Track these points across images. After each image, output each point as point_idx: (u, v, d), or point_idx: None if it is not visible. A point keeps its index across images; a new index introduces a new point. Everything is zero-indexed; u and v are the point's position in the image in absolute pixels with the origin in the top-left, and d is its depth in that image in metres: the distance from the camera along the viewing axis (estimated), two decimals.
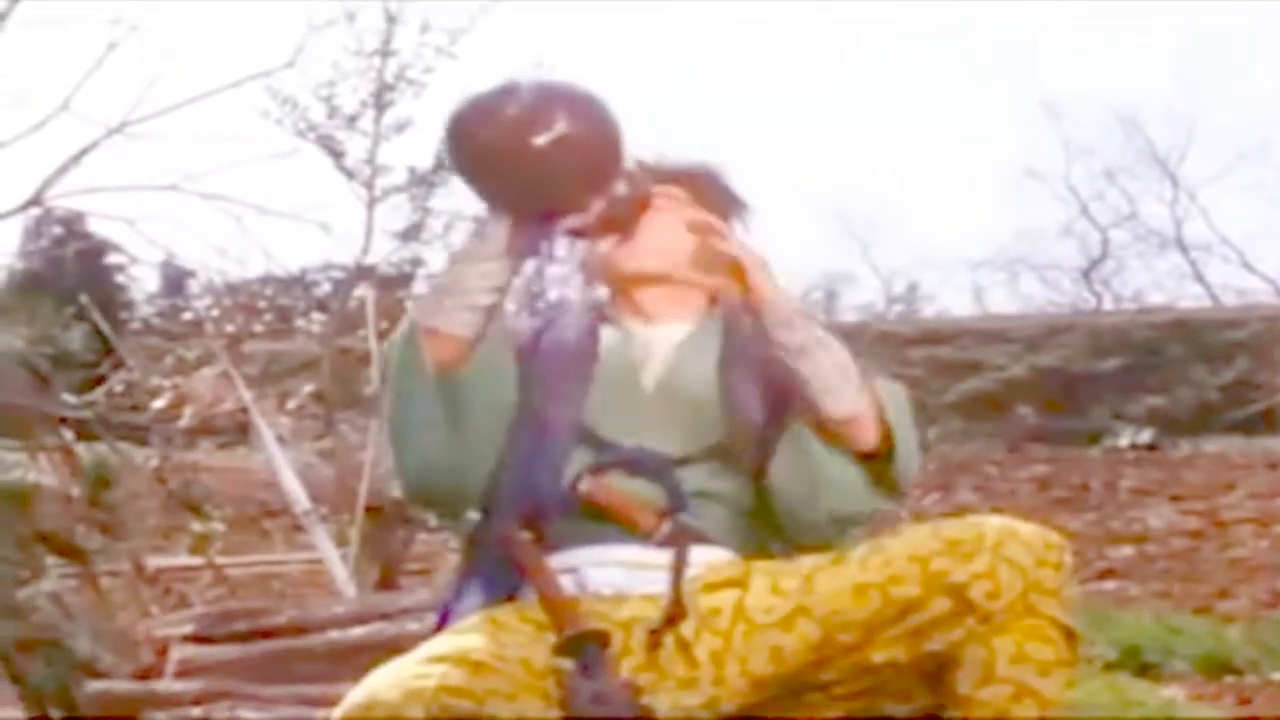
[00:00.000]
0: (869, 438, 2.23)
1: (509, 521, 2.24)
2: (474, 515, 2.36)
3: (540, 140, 2.09)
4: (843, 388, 2.22)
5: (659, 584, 2.16)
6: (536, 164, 2.11)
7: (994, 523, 2.09)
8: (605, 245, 2.41)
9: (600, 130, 2.17)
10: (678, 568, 2.16)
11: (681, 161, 2.50)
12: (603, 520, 2.22)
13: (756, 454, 2.29)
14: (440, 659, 2.01)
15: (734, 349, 2.40)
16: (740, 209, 2.53)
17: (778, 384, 2.31)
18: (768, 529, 2.27)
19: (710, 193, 2.49)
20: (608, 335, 2.43)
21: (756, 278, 2.19)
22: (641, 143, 2.42)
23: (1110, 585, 6.90)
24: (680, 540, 2.19)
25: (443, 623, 2.26)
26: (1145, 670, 4.87)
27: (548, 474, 2.26)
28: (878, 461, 2.25)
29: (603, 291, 2.52)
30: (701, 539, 2.22)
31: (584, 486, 2.21)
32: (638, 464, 2.24)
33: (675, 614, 2.13)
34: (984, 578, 2.03)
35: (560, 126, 2.10)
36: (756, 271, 2.19)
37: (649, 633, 2.12)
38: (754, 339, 2.37)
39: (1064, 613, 2.06)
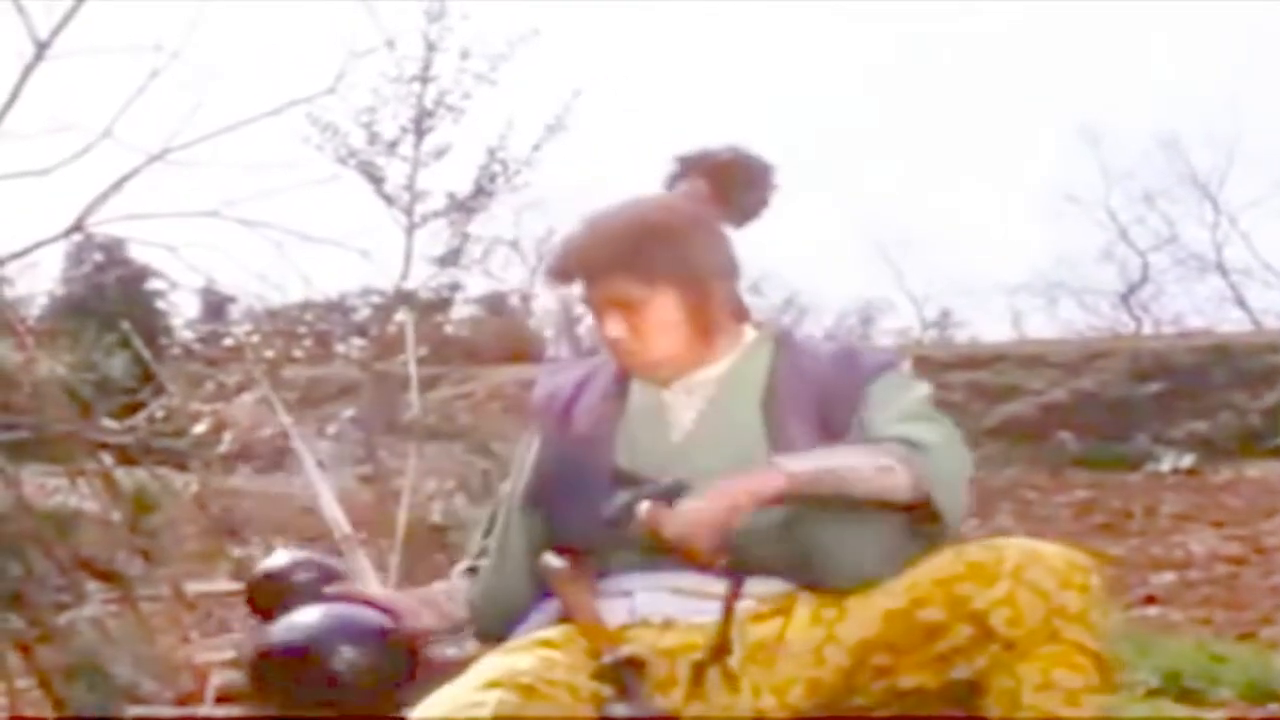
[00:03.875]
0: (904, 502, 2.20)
1: (551, 553, 2.26)
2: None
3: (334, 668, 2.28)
4: (883, 491, 2.17)
5: (709, 614, 2.15)
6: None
7: (1016, 546, 2.07)
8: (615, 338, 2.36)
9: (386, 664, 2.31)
10: (730, 601, 2.16)
11: (619, 245, 2.33)
12: (661, 548, 2.20)
13: None
14: (494, 684, 2.02)
15: (782, 379, 2.34)
16: (766, 188, 2.42)
17: (829, 417, 2.28)
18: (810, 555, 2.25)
19: (669, 261, 2.32)
20: (636, 390, 2.40)
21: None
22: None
23: (1152, 611, 6.84)
24: (737, 572, 2.18)
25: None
26: (1188, 697, 4.82)
27: (591, 514, 2.25)
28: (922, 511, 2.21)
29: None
30: (758, 569, 2.20)
31: (643, 512, 2.19)
32: (682, 496, 2.21)
33: (721, 650, 2.12)
34: (1003, 604, 2.01)
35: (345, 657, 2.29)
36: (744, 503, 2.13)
37: (694, 666, 2.12)
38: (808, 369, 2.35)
39: (1092, 637, 2.03)
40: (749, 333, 2.43)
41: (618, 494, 2.22)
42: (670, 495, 2.20)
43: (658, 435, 2.32)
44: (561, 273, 2.38)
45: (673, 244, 2.31)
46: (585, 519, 2.25)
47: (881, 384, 2.32)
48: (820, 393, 2.31)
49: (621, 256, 2.29)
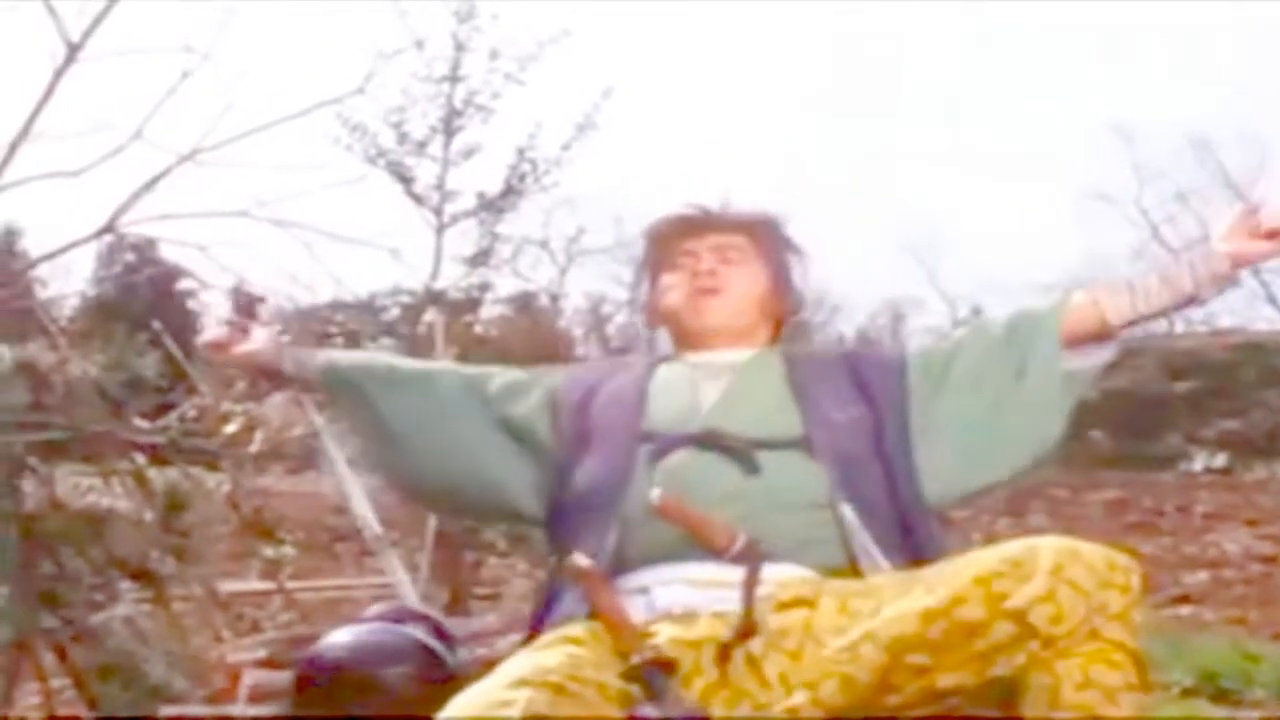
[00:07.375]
0: None
1: (571, 547, 2.27)
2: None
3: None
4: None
5: (729, 602, 2.16)
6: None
7: (1054, 544, 2.06)
8: (675, 299, 2.65)
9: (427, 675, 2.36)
10: (750, 584, 2.16)
11: (744, 211, 2.72)
12: (675, 537, 2.23)
13: (840, 445, 2.38)
14: (522, 683, 2.01)
15: (800, 363, 2.56)
16: (799, 256, 2.74)
17: (869, 381, 2.50)
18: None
19: (770, 241, 2.70)
20: (664, 371, 2.59)
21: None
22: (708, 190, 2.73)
23: (1185, 611, 6.83)
24: (753, 557, 2.19)
25: (534, 634, 2.31)
26: (1222, 697, 4.81)
27: (614, 487, 2.32)
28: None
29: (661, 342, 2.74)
30: (773, 556, 2.21)
31: (656, 498, 2.22)
32: (713, 442, 2.30)
33: (746, 630, 2.12)
34: (1044, 601, 2.00)
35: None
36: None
37: (719, 646, 2.12)
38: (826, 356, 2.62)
39: (1131, 636, 2.02)
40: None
41: (645, 447, 2.36)
42: (702, 440, 2.33)
43: (686, 405, 2.46)
44: (685, 220, 2.70)
45: (783, 240, 2.74)
46: (605, 475, 2.37)
47: (919, 351, 2.63)
48: (850, 367, 2.55)
49: (747, 223, 2.70)
